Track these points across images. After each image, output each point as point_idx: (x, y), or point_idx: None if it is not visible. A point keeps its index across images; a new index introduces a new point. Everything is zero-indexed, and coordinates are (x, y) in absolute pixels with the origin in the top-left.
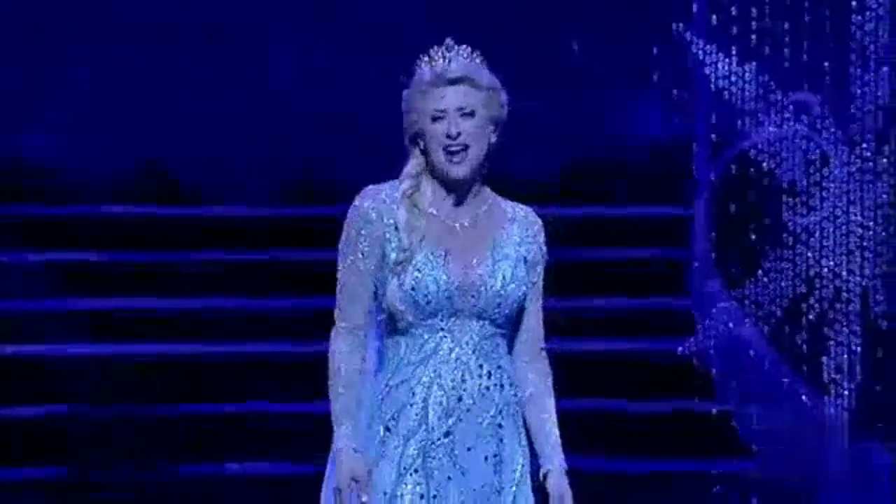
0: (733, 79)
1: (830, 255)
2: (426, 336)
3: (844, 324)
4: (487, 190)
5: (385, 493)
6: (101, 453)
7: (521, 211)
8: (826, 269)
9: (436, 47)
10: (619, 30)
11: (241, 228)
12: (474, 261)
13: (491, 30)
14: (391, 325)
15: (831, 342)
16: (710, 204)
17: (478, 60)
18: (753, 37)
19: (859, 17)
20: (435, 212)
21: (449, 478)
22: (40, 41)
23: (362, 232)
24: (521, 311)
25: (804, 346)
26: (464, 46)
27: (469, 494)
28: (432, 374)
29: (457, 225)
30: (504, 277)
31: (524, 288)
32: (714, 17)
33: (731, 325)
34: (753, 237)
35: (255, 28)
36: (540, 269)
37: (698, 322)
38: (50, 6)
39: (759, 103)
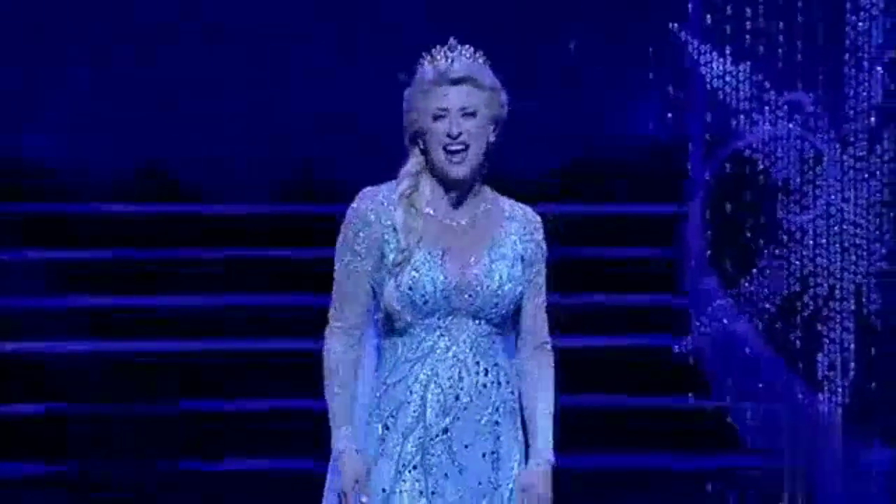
0: (728, 78)
1: (824, 253)
2: (423, 335)
3: (838, 321)
4: (487, 189)
5: (384, 490)
6: (100, 450)
7: (520, 209)
8: (820, 267)
9: (438, 47)
10: (616, 30)
11: (241, 227)
12: (472, 260)
13: (490, 30)
14: (389, 325)
15: (825, 339)
16: (706, 202)
17: (480, 61)
18: (748, 37)
19: (853, 18)
20: (433, 211)
21: (446, 475)
22: (40, 41)
23: (360, 234)
24: (519, 309)
25: (799, 344)
26: (466, 46)
27: (467, 491)
28: (429, 373)
29: (455, 224)
30: (500, 277)
31: (521, 287)
32: (709, 17)
33: (726, 322)
34: (748, 235)
35: (254, 28)
36: (538, 266)
37: (694, 320)
38: (50, 6)
39: (754, 103)
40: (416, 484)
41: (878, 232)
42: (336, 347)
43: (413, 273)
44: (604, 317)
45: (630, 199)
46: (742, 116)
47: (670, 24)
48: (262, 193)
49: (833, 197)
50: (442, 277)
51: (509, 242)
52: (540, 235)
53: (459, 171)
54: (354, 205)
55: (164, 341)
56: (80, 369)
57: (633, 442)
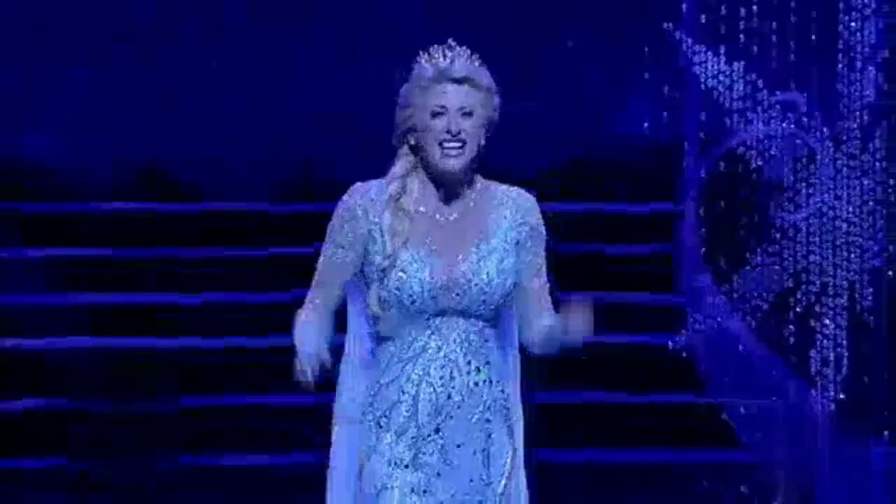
0: (722, 78)
1: (817, 250)
2: (414, 335)
3: (831, 318)
4: (478, 178)
5: (376, 487)
6: (100, 447)
7: (513, 193)
8: (813, 265)
9: (436, 46)
10: (611, 30)
11: (241, 225)
12: (459, 257)
13: (490, 30)
14: (380, 326)
15: (819, 336)
16: (700, 200)
17: (477, 63)
18: (742, 37)
19: (846, 18)
20: (422, 209)
21: (439, 474)
22: (40, 41)
23: (346, 227)
24: (514, 296)
25: (792, 340)
26: (464, 47)
27: (459, 489)
28: (421, 372)
29: (444, 220)
30: (489, 274)
31: (513, 278)
32: (703, 17)
33: (720, 319)
34: (742, 233)
35: (254, 28)
36: (535, 248)
37: (689, 316)
38: (50, 6)
39: (748, 102)
40: (408, 481)
41: (870, 229)
42: (300, 317)
43: (400, 274)
44: (599, 314)
45: (625, 197)
46: (736, 115)
47: (665, 25)
48: (262, 193)
49: (826, 195)
50: (429, 278)
51: (500, 231)
52: (534, 217)
53: (455, 163)
54: (344, 198)
55: (164, 339)
56: (80, 366)
57: (628, 438)
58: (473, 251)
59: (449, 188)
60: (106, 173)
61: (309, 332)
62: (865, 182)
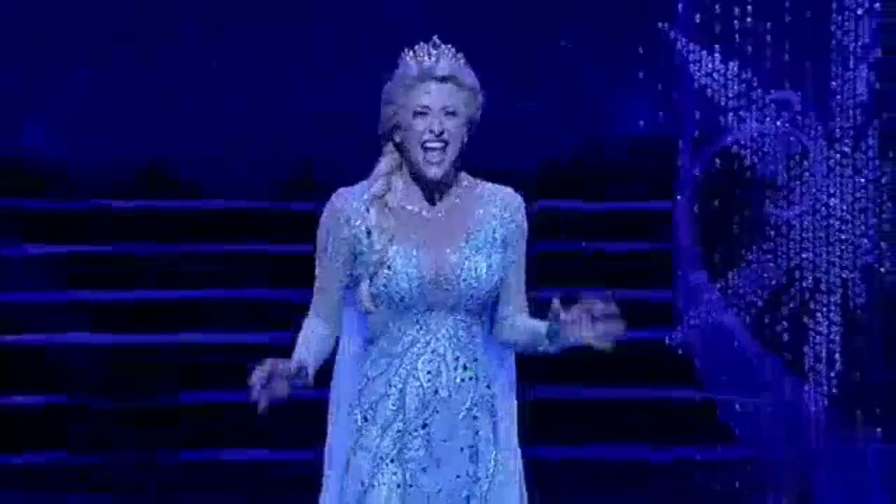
0: (717, 76)
1: (811, 247)
2: (403, 330)
3: (825, 314)
4: (463, 176)
5: (362, 483)
6: (100, 442)
7: (499, 191)
8: (807, 261)
9: (421, 44)
10: (607, 30)
11: (241, 222)
12: (447, 251)
13: (489, 30)
14: (371, 322)
15: (812, 332)
16: (695, 198)
17: (462, 61)
18: (736, 36)
19: (839, 18)
20: (408, 206)
21: (424, 469)
22: (40, 41)
23: (331, 234)
24: (498, 292)
25: (786, 336)
26: (449, 46)
27: (445, 484)
28: (409, 367)
29: (430, 217)
30: (477, 269)
31: (500, 274)
32: (698, 16)
33: (715, 315)
34: (737, 230)
35: (254, 28)
36: (520, 246)
37: (684, 313)
38: (50, 6)
39: (742, 100)
40: (394, 477)
41: (863, 226)
42: (308, 325)
43: (387, 271)
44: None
45: (621, 195)
46: (730, 114)
47: (660, 24)
48: (261, 193)
49: (819, 192)
50: (417, 274)
51: (487, 229)
52: (520, 216)
53: (436, 171)
54: (328, 205)
55: (164, 335)
56: (81, 362)
57: (624, 434)
58: (461, 246)
59: (434, 187)
60: (106, 174)
61: (298, 348)
62: (858, 180)
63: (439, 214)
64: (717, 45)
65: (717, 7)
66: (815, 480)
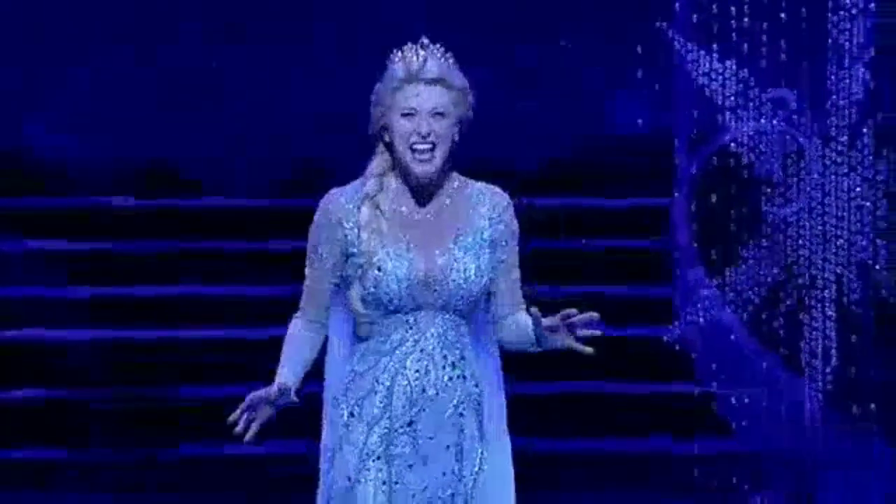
0: (714, 76)
1: (807, 244)
2: (392, 329)
3: (820, 310)
4: (454, 176)
5: (349, 479)
6: (100, 436)
7: (488, 192)
8: (803, 258)
9: (409, 44)
10: (606, 29)
11: (241, 219)
12: (436, 253)
13: (489, 30)
14: (360, 322)
15: (808, 328)
16: (692, 196)
17: (451, 61)
18: (733, 35)
19: (834, 17)
20: (398, 207)
21: (410, 466)
22: (41, 41)
23: (322, 236)
24: (488, 293)
25: (782, 331)
26: (438, 45)
27: (430, 482)
28: (397, 365)
29: (420, 218)
30: (466, 270)
31: (489, 274)
32: (695, 16)
33: (712, 311)
34: (734, 227)
35: (254, 28)
36: (510, 245)
37: (682, 309)
38: (50, 6)
39: (739, 99)
40: (380, 473)
41: (858, 224)
42: (295, 326)
43: (377, 272)
44: (597, 307)
45: (619, 192)
46: (727, 112)
47: (658, 23)
48: (261, 193)
49: (815, 190)
50: (406, 275)
51: (477, 229)
52: (509, 216)
53: (426, 169)
54: (320, 207)
55: (164, 330)
56: (81, 357)
57: (623, 428)
58: (450, 247)
59: (424, 186)
60: (106, 173)
61: (283, 361)
62: (853, 177)
63: (429, 216)
64: (714, 45)
65: (714, 7)
66: (811, 475)
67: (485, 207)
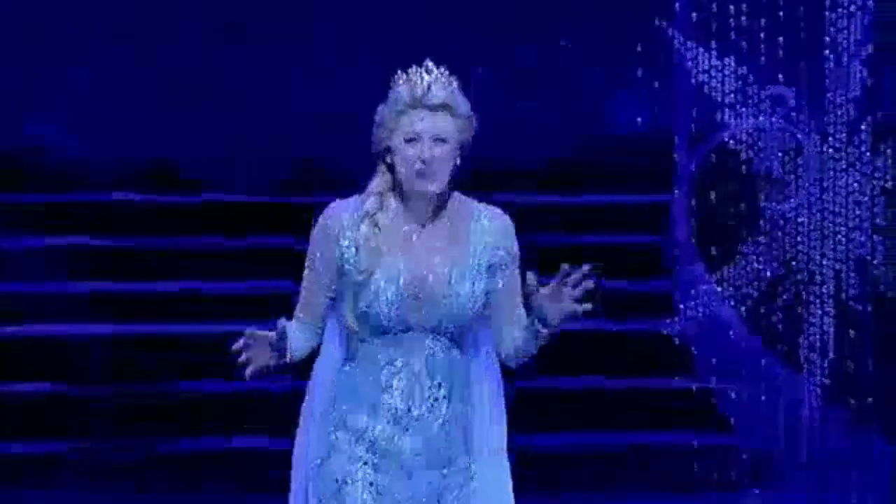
0: (713, 73)
1: (805, 240)
2: (381, 347)
3: (818, 305)
4: (455, 195)
5: (336, 481)
6: (101, 431)
7: (488, 214)
8: (801, 254)
9: (414, 67)
10: (606, 28)
11: (241, 215)
12: (430, 278)
13: (489, 30)
14: (351, 338)
15: (806, 323)
16: (692, 192)
17: (455, 85)
18: (732, 33)
19: (832, 15)
20: (397, 226)
21: (396, 479)
22: (41, 41)
23: (320, 250)
24: (490, 314)
25: (780, 326)
26: (442, 69)
27: (416, 491)
28: (384, 384)
29: (418, 239)
30: (459, 292)
31: (482, 300)
32: (694, 14)
33: (712, 306)
34: (732, 223)
35: (254, 28)
36: (510, 269)
37: (681, 304)
38: (50, 6)
39: (738, 96)
40: (367, 476)
41: (856, 220)
42: (290, 328)
43: (370, 291)
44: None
45: (619, 188)
46: (726, 109)
47: (657, 21)
48: (261, 193)
49: (813, 186)
50: (398, 297)
51: (475, 252)
52: (510, 241)
53: (429, 186)
54: (320, 221)
55: (165, 325)
56: (81, 352)
57: (622, 422)
58: (446, 272)
59: (423, 207)
60: (106, 173)
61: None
62: (851, 174)
63: (427, 237)
64: (713, 43)
65: (713, 5)
66: (806, 465)
67: (486, 232)
